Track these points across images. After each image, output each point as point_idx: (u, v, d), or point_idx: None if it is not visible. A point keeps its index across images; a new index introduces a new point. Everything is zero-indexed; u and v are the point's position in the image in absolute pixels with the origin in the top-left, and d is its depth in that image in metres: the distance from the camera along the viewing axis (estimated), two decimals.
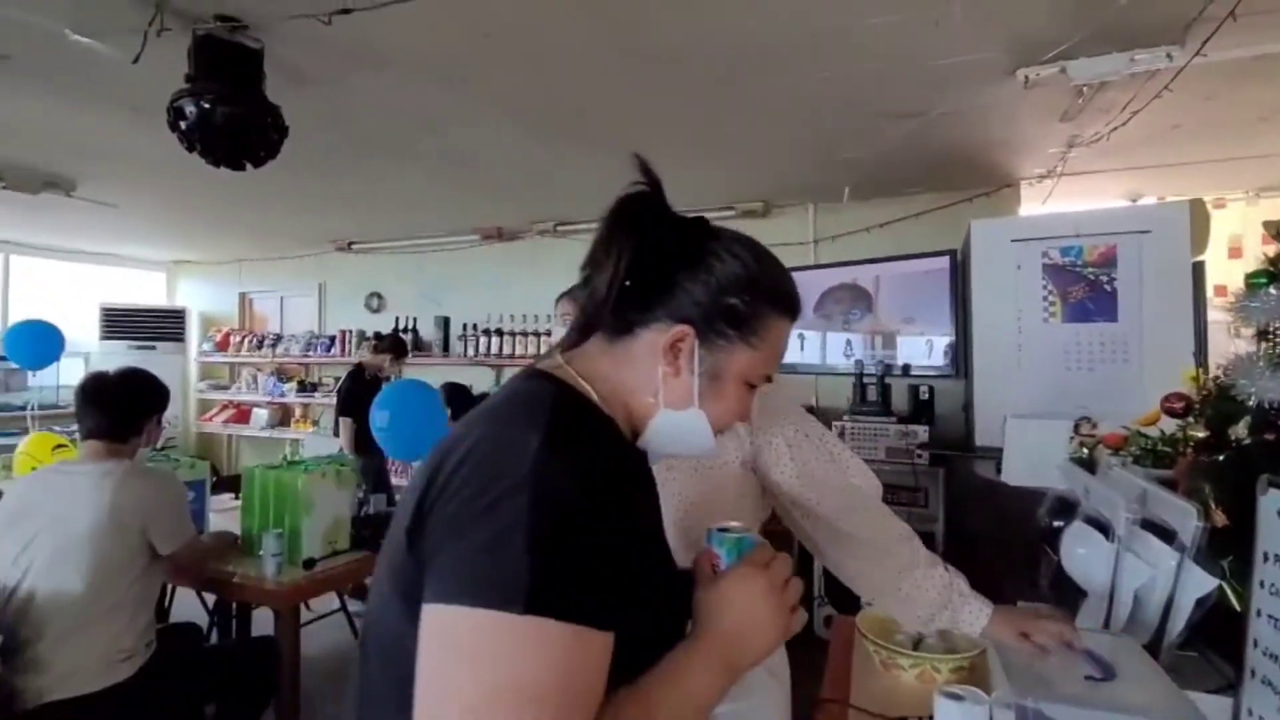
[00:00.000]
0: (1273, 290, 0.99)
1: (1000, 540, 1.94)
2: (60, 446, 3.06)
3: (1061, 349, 2.39)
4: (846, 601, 1.34)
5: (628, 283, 0.63)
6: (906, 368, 2.98)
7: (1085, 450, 1.51)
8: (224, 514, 2.66)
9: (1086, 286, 2.39)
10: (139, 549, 1.67)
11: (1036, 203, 3.30)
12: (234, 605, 2.71)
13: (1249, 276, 1.04)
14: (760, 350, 0.66)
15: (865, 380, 2.93)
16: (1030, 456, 1.78)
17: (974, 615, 1.07)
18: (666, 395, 0.64)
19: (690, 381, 0.64)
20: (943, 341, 2.99)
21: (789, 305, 0.68)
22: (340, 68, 2.08)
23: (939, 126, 2.50)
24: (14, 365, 4.34)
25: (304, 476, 2.13)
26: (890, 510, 1.17)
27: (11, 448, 3.36)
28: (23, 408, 4.39)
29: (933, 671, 1.17)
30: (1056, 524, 1.34)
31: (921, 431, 2.65)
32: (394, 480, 4.03)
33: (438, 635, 0.48)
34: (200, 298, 6.10)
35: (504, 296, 4.56)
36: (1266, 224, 1.07)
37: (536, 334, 4.27)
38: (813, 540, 1.17)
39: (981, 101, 2.30)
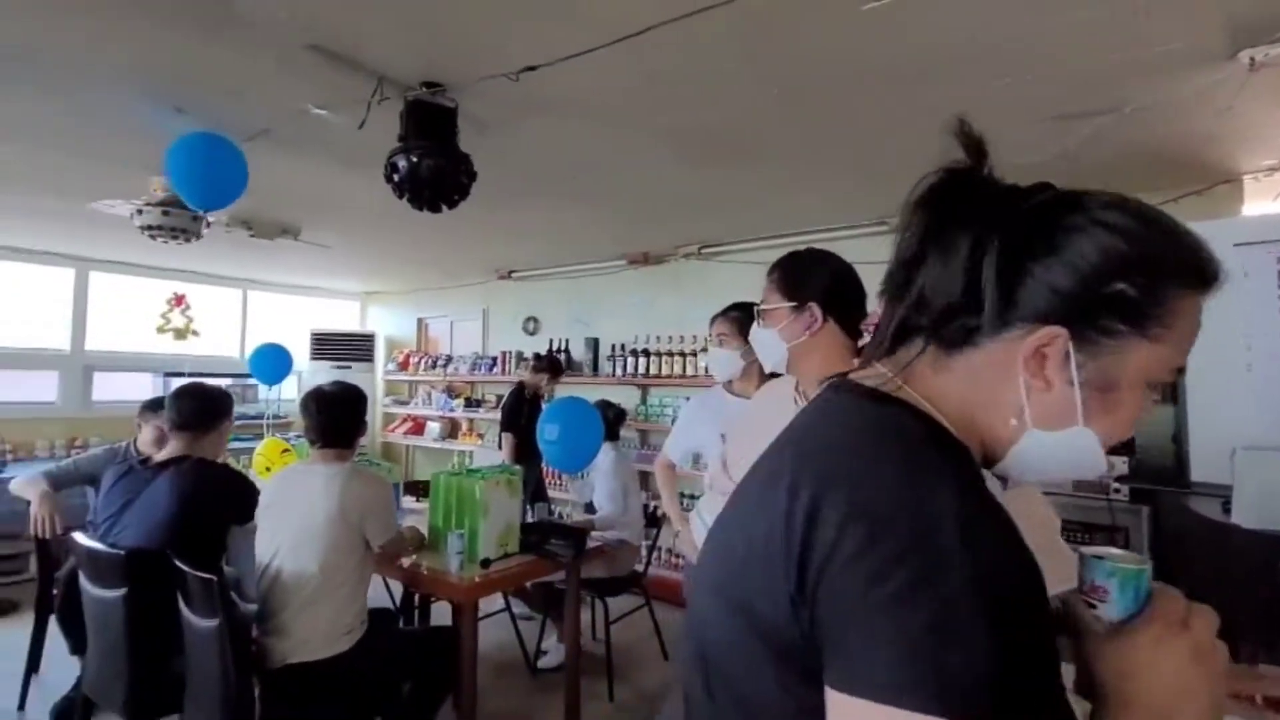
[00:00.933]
0: None
1: (1229, 591, 1.66)
2: (286, 450, 3.62)
3: None
4: None
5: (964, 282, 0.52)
6: None
7: None
8: (404, 514, 2.99)
9: None
10: (358, 539, 1.95)
11: (1265, 199, 2.82)
12: (416, 596, 3.04)
13: None
14: (1166, 342, 0.50)
15: None
16: (1271, 495, 1.52)
17: None
18: (1036, 413, 0.52)
19: (1070, 394, 0.50)
20: None
21: (1201, 274, 0.51)
22: (516, 116, 2.32)
23: (1134, 123, 2.25)
24: (250, 381, 5.24)
25: (481, 483, 2.35)
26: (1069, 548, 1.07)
27: (249, 450, 4.04)
28: (256, 417, 5.26)
29: None
30: None
31: (1119, 463, 2.34)
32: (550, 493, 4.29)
33: None
34: (386, 323, 6.95)
35: (650, 318, 4.71)
36: None
37: (682, 354, 4.35)
38: None
39: (1190, 91, 2.03)
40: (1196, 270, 0.51)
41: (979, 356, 0.53)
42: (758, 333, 1.30)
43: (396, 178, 2.03)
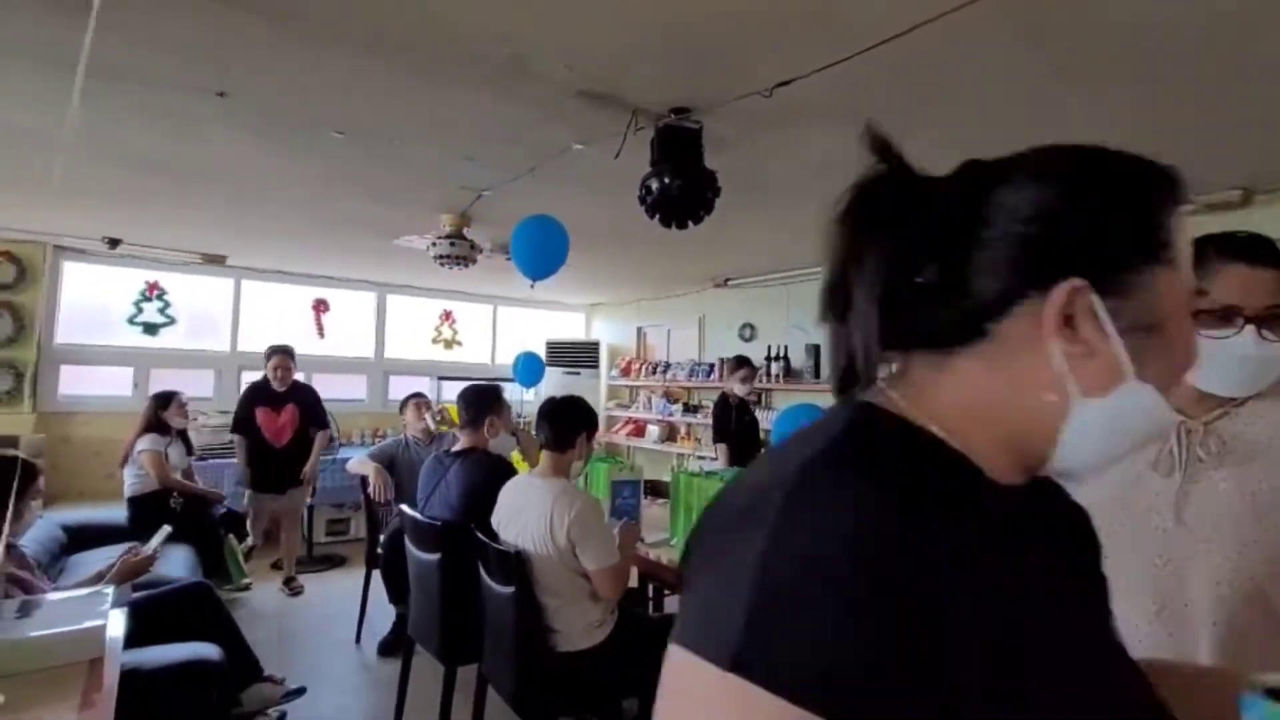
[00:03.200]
0: None
1: None
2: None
3: None
4: None
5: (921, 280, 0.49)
6: None
7: None
8: (643, 510, 3.20)
9: None
10: (575, 557, 2.01)
11: None
12: (650, 586, 3.24)
13: None
14: (1178, 261, 0.48)
15: None
16: None
17: None
18: (1082, 380, 0.47)
19: (1115, 348, 0.46)
20: None
21: (1176, 185, 0.49)
22: (757, 130, 2.38)
23: None
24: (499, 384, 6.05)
25: (720, 485, 2.44)
26: None
27: None
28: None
29: None
30: None
31: None
32: None
33: (664, 671, 0.43)
34: (608, 332, 7.53)
35: None
36: None
37: None
38: None
39: None
40: (1171, 181, 0.48)
41: (993, 346, 0.48)
42: (1259, 345, 0.88)
43: (650, 199, 2.21)
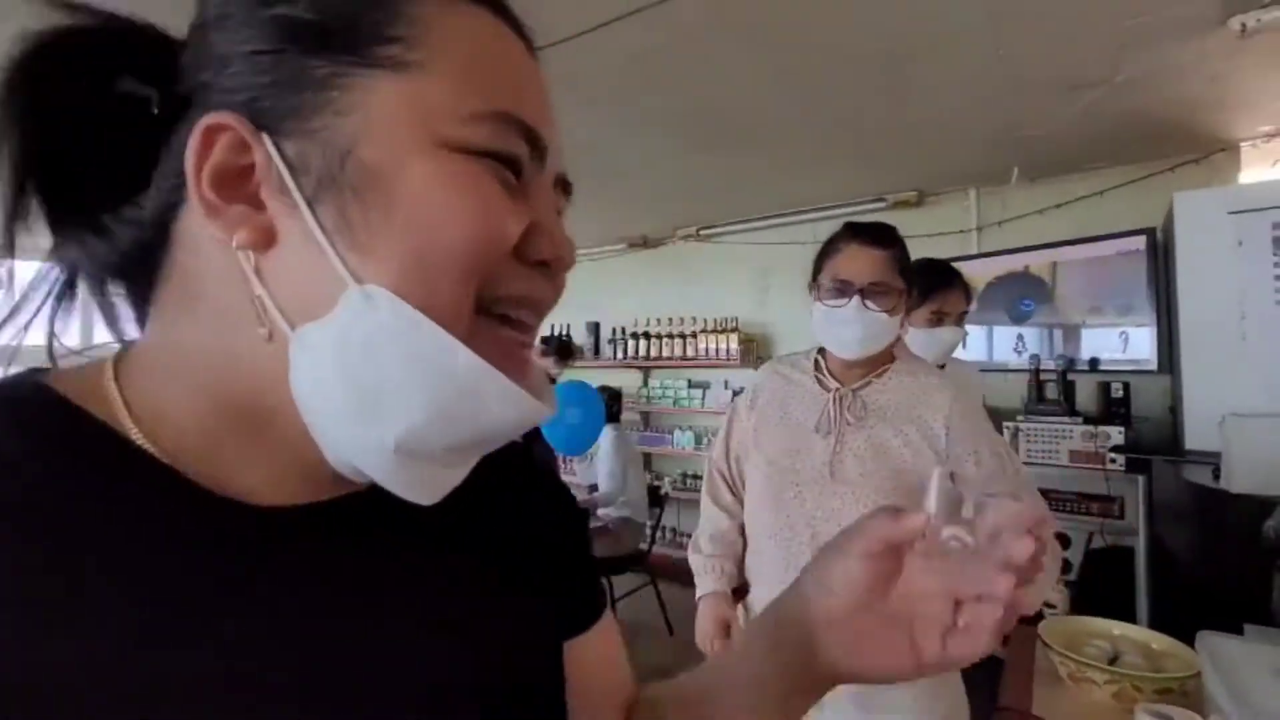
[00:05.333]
0: None
1: (1219, 555, 1.69)
2: None
3: None
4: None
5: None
6: (1094, 362, 2.67)
7: None
8: None
9: None
10: None
11: (1264, 166, 2.80)
12: None
13: None
14: (432, 70, 0.29)
15: (1043, 377, 2.66)
16: (1257, 460, 1.54)
17: None
18: (284, 296, 0.27)
19: (306, 227, 0.27)
20: (1139, 333, 2.64)
21: None
22: None
23: (1130, 92, 2.23)
24: None
25: None
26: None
27: None
28: None
29: (1133, 690, 1.08)
30: None
31: (1115, 433, 2.35)
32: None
33: None
34: None
35: (650, 301, 4.73)
36: None
37: (682, 336, 4.37)
38: None
39: (1184, 59, 2.02)
40: None
41: (167, 271, 0.30)
42: (878, 318, 1.06)
43: None
